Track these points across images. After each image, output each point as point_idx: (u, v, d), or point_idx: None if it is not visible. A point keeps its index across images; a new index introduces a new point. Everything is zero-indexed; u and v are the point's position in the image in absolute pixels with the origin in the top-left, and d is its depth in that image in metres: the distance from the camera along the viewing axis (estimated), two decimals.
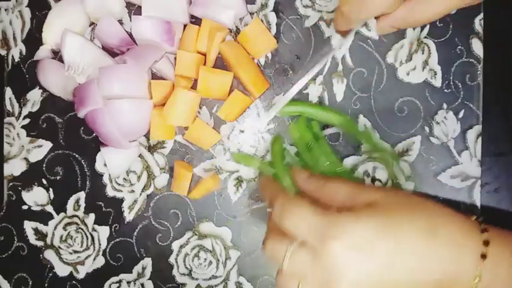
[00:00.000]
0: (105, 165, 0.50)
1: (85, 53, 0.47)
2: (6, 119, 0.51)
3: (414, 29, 0.48)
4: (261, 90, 0.49)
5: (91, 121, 0.47)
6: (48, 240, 0.51)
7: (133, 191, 0.50)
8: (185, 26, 0.49)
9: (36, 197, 0.51)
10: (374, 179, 0.49)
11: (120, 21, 0.50)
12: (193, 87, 0.50)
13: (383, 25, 0.46)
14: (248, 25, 0.48)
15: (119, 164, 0.49)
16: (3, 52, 0.51)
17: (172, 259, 0.50)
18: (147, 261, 0.51)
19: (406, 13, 0.43)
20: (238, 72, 0.48)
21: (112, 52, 0.50)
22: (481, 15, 0.48)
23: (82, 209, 0.51)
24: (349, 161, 0.49)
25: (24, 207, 0.51)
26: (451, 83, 0.48)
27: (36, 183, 0.51)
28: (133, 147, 0.49)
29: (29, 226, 0.51)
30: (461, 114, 0.48)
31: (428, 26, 0.48)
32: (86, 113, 0.47)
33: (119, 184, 0.50)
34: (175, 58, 0.49)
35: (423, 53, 0.49)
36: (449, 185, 0.48)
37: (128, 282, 0.51)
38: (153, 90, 0.48)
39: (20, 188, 0.51)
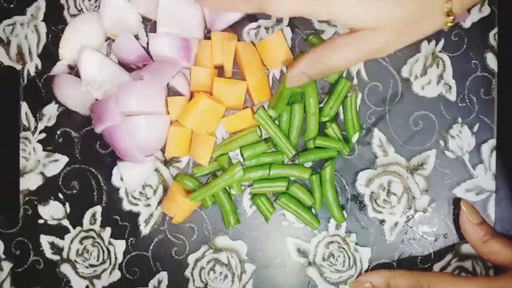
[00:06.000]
0: (121, 179, 0.50)
1: (102, 69, 0.47)
2: (22, 134, 0.51)
3: (429, 43, 0.49)
4: (261, 99, 0.49)
5: (108, 137, 0.47)
6: (64, 254, 0.51)
7: (149, 205, 0.51)
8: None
9: (52, 211, 0.51)
10: (389, 192, 0.49)
11: (136, 36, 0.50)
12: None
13: (291, 74, 0.43)
14: (270, 35, 0.49)
15: (135, 179, 0.49)
16: (19, 66, 0.51)
17: (187, 273, 0.50)
18: (163, 275, 0.51)
19: (314, 59, 0.41)
20: (245, 74, 0.48)
21: (127, 67, 0.50)
22: (496, 30, 0.48)
23: (98, 222, 0.51)
24: (364, 175, 0.49)
25: (41, 221, 0.51)
26: (466, 97, 0.49)
27: (52, 198, 0.51)
28: (149, 162, 0.49)
29: (45, 240, 0.51)
30: (475, 128, 0.48)
31: (442, 40, 0.49)
32: (103, 129, 0.47)
33: (135, 198, 0.51)
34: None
35: (438, 67, 0.49)
36: (464, 198, 0.48)
37: None
38: (170, 107, 0.48)
39: (36, 203, 0.51)
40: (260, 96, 0.49)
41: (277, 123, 0.49)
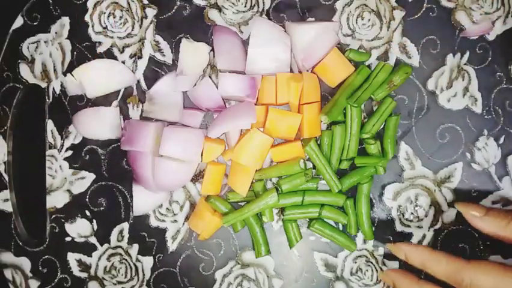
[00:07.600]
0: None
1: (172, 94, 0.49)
2: (48, 152, 0.51)
3: (454, 55, 0.49)
4: (311, 134, 0.48)
5: (132, 158, 0.48)
6: (92, 271, 0.51)
7: (175, 221, 0.51)
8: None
9: (79, 228, 0.51)
10: (416, 206, 0.49)
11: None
12: None
13: None
14: (327, 55, 0.48)
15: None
16: (44, 84, 0.51)
17: None
18: None
19: None
20: (303, 108, 0.47)
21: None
22: None
23: (126, 239, 0.51)
24: (391, 189, 0.49)
25: (68, 239, 0.51)
26: (491, 109, 0.49)
27: (79, 215, 0.51)
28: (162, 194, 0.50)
29: (72, 258, 0.51)
30: (501, 140, 0.49)
31: (467, 53, 0.49)
32: (129, 150, 0.47)
33: (162, 214, 0.51)
34: None
35: (463, 80, 0.49)
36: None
37: None
38: (205, 152, 0.48)
39: (63, 220, 0.51)
40: (312, 131, 0.48)
41: (319, 143, 0.49)
